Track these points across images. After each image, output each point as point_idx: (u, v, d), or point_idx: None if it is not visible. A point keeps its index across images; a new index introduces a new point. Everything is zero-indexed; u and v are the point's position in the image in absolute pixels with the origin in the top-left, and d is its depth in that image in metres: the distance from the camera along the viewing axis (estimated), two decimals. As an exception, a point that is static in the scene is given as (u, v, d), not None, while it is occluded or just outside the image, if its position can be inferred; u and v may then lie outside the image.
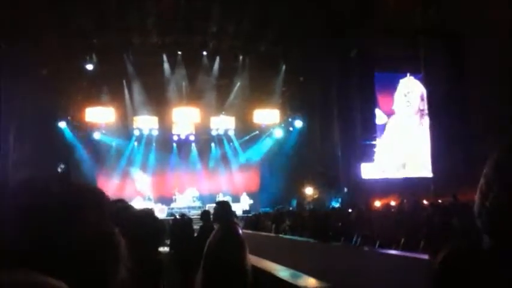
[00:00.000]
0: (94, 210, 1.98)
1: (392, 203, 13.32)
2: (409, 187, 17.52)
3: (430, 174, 19.83)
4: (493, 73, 14.90)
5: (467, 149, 17.17)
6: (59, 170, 17.31)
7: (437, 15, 16.82)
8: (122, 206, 3.08)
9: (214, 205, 4.94)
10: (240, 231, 4.25)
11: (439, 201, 12.10)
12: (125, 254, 1.29)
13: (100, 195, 2.52)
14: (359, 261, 3.69)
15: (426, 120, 20.52)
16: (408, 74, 20.71)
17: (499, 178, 1.09)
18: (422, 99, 20.75)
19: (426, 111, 20.57)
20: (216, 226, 4.38)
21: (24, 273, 0.97)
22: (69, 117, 19.76)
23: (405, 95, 20.73)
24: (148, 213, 2.77)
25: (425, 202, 12.44)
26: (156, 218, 3.10)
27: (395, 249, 5.20)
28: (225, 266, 3.91)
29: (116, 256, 1.26)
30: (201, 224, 7.20)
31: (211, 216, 5.14)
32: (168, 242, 7.33)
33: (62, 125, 19.62)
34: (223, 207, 4.51)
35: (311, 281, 3.76)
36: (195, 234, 7.43)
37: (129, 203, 3.36)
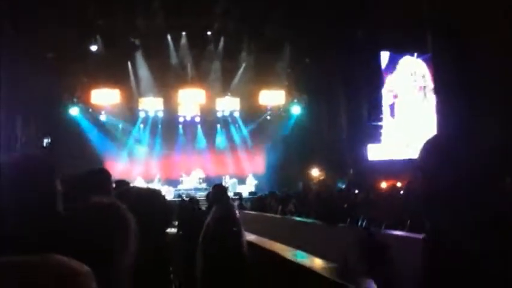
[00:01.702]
0: (100, 190, 1.99)
1: (399, 184, 13.32)
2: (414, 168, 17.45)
3: (436, 155, 19.74)
4: (500, 58, 14.71)
5: (472, 130, 17.08)
6: (44, 144, 17.23)
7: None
8: (127, 187, 3.11)
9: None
10: (237, 212, 4.54)
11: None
12: (135, 229, 1.31)
13: (106, 176, 2.53)
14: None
15: (430, 98, 20.32)
16: (416, 54, 20.47)
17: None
18: (423, 77, 20.53)
19: (430, 88, 20.35)
20: (213, 208, 4.65)
21: (47, 256, 0.99)
22: (75, 99, 19.80)
23: (411, 74, 20.52)
24: (156, 194, 2.79)
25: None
26: (164, 199, 3.13)
27: (401, 230, 5.21)
28: (222, 245, 4.18)
29: (126, 231, 1.29)
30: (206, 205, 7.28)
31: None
32: (175, 223, 7.41)
33: (74, 112, 19.64)
34: (219, 190, 4.89)
35: (317, 261, 3.79)
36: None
37: (135, 184, 3.38)
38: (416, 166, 1.31)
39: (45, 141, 17.39)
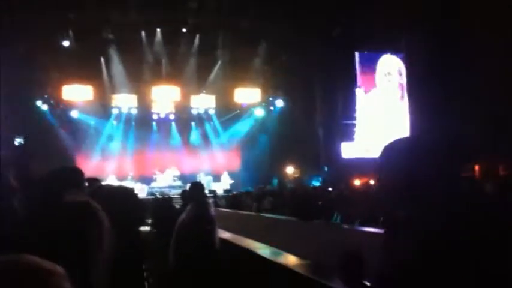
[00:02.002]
0: (73, 189, 1.94)
1: (372, 182, 13.50)
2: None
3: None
4: (478, 54, 15.05)
5: (446, 128, 17.45)
6: (16, 143, 16.78)
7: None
8: (99, 185, 3.05)
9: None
10: (212, 210, 4.56)
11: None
12: (109, 229, 1.29)
13: (79, 174, 2.47)
14: (339, 239, 3.74)
15: (405, 97, 20.69)
16: (389, 53, 20.77)
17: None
18: (400, 75, 20.87)
19: (405, 87, 20.72)
20: (189, 205, 4.66)
21: (17, 256, 0.95)
22: (46, 95, 19.35)
23: (385, 74, 20.83)
24: (129, 192, 2.75)
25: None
26: (136, 197, 3.08)
27: (374, 227, 5.28)
28: (195, 242, 4.20)
29: (99, 229, 1.26)
30: (181, 203, 7.24)
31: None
32: (149, 221, 7.33)
33: (39, 103, 19.22)
34: (196, 187, 4.89)
35: (291, 258, 3.81)
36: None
37: (107, 182, 3.32)
38: (377, 166, 1.49)
39: (18, 140, 16.92)
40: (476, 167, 15.30)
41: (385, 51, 20.64)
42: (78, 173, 2.48)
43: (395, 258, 1.34)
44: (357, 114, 20.32)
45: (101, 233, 1.24)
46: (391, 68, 20.82)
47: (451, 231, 1.26)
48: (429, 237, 1.26)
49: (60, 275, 0.95)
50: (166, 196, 9.40)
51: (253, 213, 8.65)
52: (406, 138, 1.54)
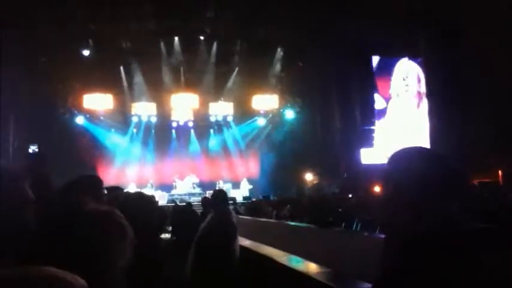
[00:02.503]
0: (91, 196, 1.95)
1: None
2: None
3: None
4: (492, 58, 14.83)
5: (466, 132, 17.18)
6: (30, 151, 16.99)
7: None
8: (121, 193, 3.08)
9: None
10: (234, 218, 4.52)
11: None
12: (131, 235, 1.29)
13: (97, 181, 2.48)
14: (359, 247, 3.70)
15: (424, 102, 20.46)
16: (407, 58, 20.59)
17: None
18: (419, 81, 20.66)
19: (424, 94, 20.50)
20: (210, 213, 4.65)
21: (41, 269, 0.97)
22: (67, 105, 19.69)
23: (403, 79, 20.64)
24: (149, 200, 2.76)
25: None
26: (156, 205, 3.10)
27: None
28: (215, 250, 4.17)
29: (123, 240, 1.26)
30: (201, 210, 7.27)
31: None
32: (169, 228, 7.36)
33: (64, 115, 19.50)
34: (219, 195, 4.83)
35: (311, 266, 3.77)
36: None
37: (128, 190, 3.35)
38: (384, 174, 1.51)
39: (32, 148, 17.16)
40: (500, 173, 15.00)
41: (402, 56, 20.46)
42: (97, 180, 2.51)
43: (392, 262, 1.38)
44: (376, 120, 20.14)
45: (125, 244, 1.24)
46: (408, 74, 20.63)
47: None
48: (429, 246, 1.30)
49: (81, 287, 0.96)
50: (186, 203, 9.44)
51: (272, 220, 8.62)
52: (415, 147, 1.57)
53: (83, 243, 1.12)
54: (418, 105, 20.65)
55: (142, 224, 2.21)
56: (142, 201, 2.49)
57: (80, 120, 20.19)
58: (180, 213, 8.07)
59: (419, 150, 1.56)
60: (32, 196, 1.15)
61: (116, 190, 3.11)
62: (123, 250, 1.19)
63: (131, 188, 17.52)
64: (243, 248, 4.84)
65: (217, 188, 16.77)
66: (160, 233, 3.54)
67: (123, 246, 1.19)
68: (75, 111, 20.02)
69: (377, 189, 14.44)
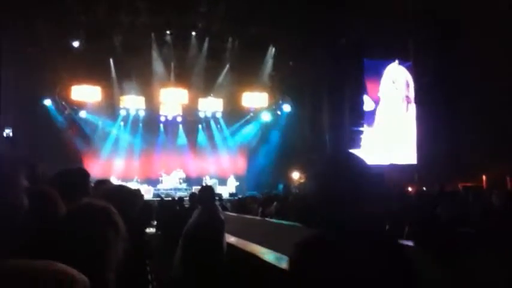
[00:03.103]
0: (79, 190, 1.95)
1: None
2: (394, 174, 17.71)
3: (414, 161, 20.05)
4: (485, 63, 14.99)
5: (452, 137, 17.39)
6: (5, 135, 16.72)
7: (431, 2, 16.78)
8: (107, 187, 3.06)
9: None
10: (221, 214, 4.55)
11: (424, 188, 12.25)
12: (124, 232, 1.29)
13: (83, 175, 2.47)
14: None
15: (412, 107, 20.65)
16: (397, 61, 20.76)
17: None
18: (407, 86, 20.85)
19: (412, 99, 20.70)
20: (198, 208, 4.66)
21: (47, 262, 0.98)
22: (55, 95, 19.48)
23: (393, 82, 20.80)
24: (133, 193, 2.75)
25: (409, 189, 12.58)
26: (141, 199, 3.08)
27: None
28: (203, 245, 4.18)
29: (117, 236, 1.26)
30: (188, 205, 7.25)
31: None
32: (154, 223, 7.34)
33: (48, 102, 19.37)
34: (206, 191, 4.89)
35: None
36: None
37: (114, 183, 3.33)
38: (313, 176, 1.62)
39: (6, 131, 16.86)
40: (484, 177, 15.20)
41: (392, 59, 20.62)
42: (84, 173, 2.50)
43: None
44: (364, 121, 20.27)
45: (118, 239, 1.24)
46: (397, 78, 20.81)
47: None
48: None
49: (84, 283, 0.99)
50: (180, 198, 9.41)
51: (258, 217, 8.64)
52: (342, 153, 1.72)
53: (80, 241, 1.12)
54: (407, 109, 20.84)
55: (126, 218, 2.20)
56: (126, 195, 2.47)
57: (67, 110, 19.98)
58: (167, 208, 8.05)
59: (342, 156, 1.68)
60: (27, 185, 1.15)
61: (104, 183, 3.09)
62: (116, 246, 1.19)
63: (122, 182, 17.46)
64: (229, 245, 4.85)
65: (203, 184, 16.76)
66: (146, 228, 3.54)
67: (116, 242, 1.19)
68: (63, 102, 19.80)
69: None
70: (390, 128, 20.68)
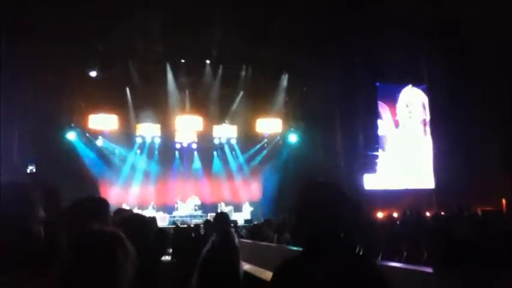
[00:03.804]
0: (98, 219, 1.97)
1: (395, 215, 13.24)
2: (411, 198, 17.49)
3: (432, 186, 19.78)
4: (497, 83, 14.90)
5: (470, 160, 17.16)
6: (28, 171, 16.94)
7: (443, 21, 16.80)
8: (123, 216, 3.08)
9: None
10: (236, 241, 4.51)
11: (442, 213, 12.04)
12: (134, 257, 1.30)
13: (103, 204, 2.50)
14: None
15: (428, 133, 20.53)
16: (410, 85, 20.75)
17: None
18: (424, 109, 20.76)
19: (428, 122, 20.58)
20: (213, 235, 4.63)
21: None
22: (72, 124, 19.81)
23: (407, 106, 20.75)
24: (147, 221, 2.76)
25: (427, 214, 12.38)
26: (157, 227, 3.09)
27: (398, 261, 5.16)
28: (220, 273, 4.14)
29: (126, 261, 1.27)
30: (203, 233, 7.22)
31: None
32: (170, 250, 7.30)
33: (71, 136, 19.62)
34: (221, 218, 4.89)
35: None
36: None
37: (131, 211, 3.34)
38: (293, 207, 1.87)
39: (30, 168, 17.15)
40: (503, 201, 14.89)
41: (406, 83, 20.63)
42: (103, 203, 2.52)
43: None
44: (380, 146, 20.17)
45: (128, 265, 1.25)
46: (413, 101, 20.76)
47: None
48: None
49: None
50: (194, 226, 9.41)
51: (273, 244, 8.55)
52: (319, 183, 1.97)
53: (89, 264, 1.13)
54: (425, 132, 20.70)
55: (140, 246, 2.21)
56: (140, 223, 2.49)
57: (84, 139, 20.27)
58: (182, 235, 8.02)
59: (314, 188, 1.91)
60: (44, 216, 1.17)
61: (120, 212, 3.11)
62: (127, 272, 1.20)
63: (139, 210, 17.54)
64: (245, 272, 4.80)
65: (219, 211, 16.71)
66: (162, 255, 3.52)
67: (127, 268, 1.20)
68: (80, 131, 20.11)
69: (380, 215, 14.36)
70: (407, 152, 20.52)
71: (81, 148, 20.13)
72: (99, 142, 20.53)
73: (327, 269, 1.58)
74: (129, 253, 1.25)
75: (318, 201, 1.77)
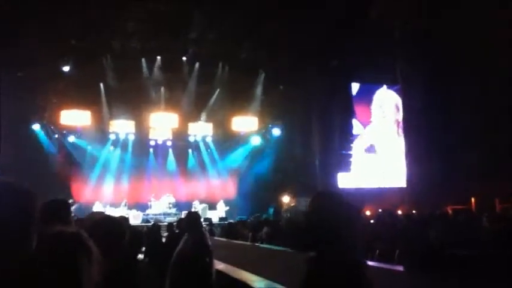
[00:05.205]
0: (59, 222, 1.92)
1: (368, 213, 13.44)
2: (384, 197, 17.77)
3: (404, 184, 20.14)
4: (474, 83, 15.25)
5: (441, 160, 17.52)
6: None
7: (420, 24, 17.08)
8: (95, 217, 3.02)
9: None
10: (209, 241, 4.49)
11: (413, 212, 12.27)
12: (98, 257, 1.27)
13: (64, 205, 2.44)
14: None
15: (401, 133, 20.89)
16: (385, 86, 21.06)
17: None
18: (397, 110, 21.10)
19: (401, 123, 20.94)
20: (185, 235, 4.59)
21: None
22: (44, 120, 19.36)
23: (380, 106, 21.07)
24: (122, 222, 2.72)
25: (399, 212, 12.59)
26: (129, 226, 3.04)
27: (370, 259, 5.23)
28: (191, 274, 4.12)
29: (89, 260, 1.24)
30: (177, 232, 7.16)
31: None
32: (143, 249, 7.21)
33: (36, 127, 19.22)
34: (192, 218, 4.85)
35: (286, 291, 3.74)
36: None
37: (103, 213, 3.28)
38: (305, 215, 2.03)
39: None
40: (473, 200, 15.28)
41: (381, 83, 20.92)
42: (64, 204, 2.48)
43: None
44: (354, 145, 20.41)
45: (91, 264, 1.22)
46: (387, 103, 21.08)
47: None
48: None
49: None
50: (167, 224, 9.33)
51: (248, 243, 8.55)
52: (326, 193, 2.18)
53: (50, 266, 1.10)
54: (398, 133, 21.05)
55: (114, 248, 2.17)
56: (113, 225, 2.44)
57: (56, 135, 19.84)
58: (154, 234, 7.94)
59: (328, 195, 2.03)
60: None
61: (95, 215, 3.05)
62: (89, 273, 1.17)
63: (97, 207, 17.31)
64: (217, 272, 4.78)
65: (193, 209, 16.63)
66: (137, 255, 3.48)
67: (89, 269, 1.17)
68: (51, 127, 19.67)
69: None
70: (380, 152, 20.84)
71: (51, 145, 19.69)
72: (71, 139, 20.13)
73: (330, 275, 1.76)
74: (92, 253, 1.22)
75: (326, 209, 1.91)
